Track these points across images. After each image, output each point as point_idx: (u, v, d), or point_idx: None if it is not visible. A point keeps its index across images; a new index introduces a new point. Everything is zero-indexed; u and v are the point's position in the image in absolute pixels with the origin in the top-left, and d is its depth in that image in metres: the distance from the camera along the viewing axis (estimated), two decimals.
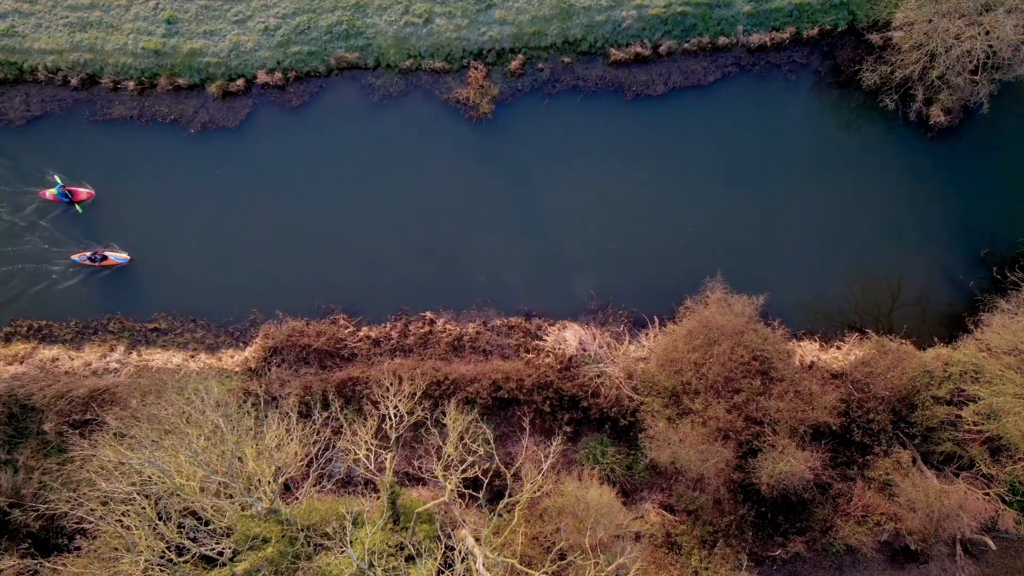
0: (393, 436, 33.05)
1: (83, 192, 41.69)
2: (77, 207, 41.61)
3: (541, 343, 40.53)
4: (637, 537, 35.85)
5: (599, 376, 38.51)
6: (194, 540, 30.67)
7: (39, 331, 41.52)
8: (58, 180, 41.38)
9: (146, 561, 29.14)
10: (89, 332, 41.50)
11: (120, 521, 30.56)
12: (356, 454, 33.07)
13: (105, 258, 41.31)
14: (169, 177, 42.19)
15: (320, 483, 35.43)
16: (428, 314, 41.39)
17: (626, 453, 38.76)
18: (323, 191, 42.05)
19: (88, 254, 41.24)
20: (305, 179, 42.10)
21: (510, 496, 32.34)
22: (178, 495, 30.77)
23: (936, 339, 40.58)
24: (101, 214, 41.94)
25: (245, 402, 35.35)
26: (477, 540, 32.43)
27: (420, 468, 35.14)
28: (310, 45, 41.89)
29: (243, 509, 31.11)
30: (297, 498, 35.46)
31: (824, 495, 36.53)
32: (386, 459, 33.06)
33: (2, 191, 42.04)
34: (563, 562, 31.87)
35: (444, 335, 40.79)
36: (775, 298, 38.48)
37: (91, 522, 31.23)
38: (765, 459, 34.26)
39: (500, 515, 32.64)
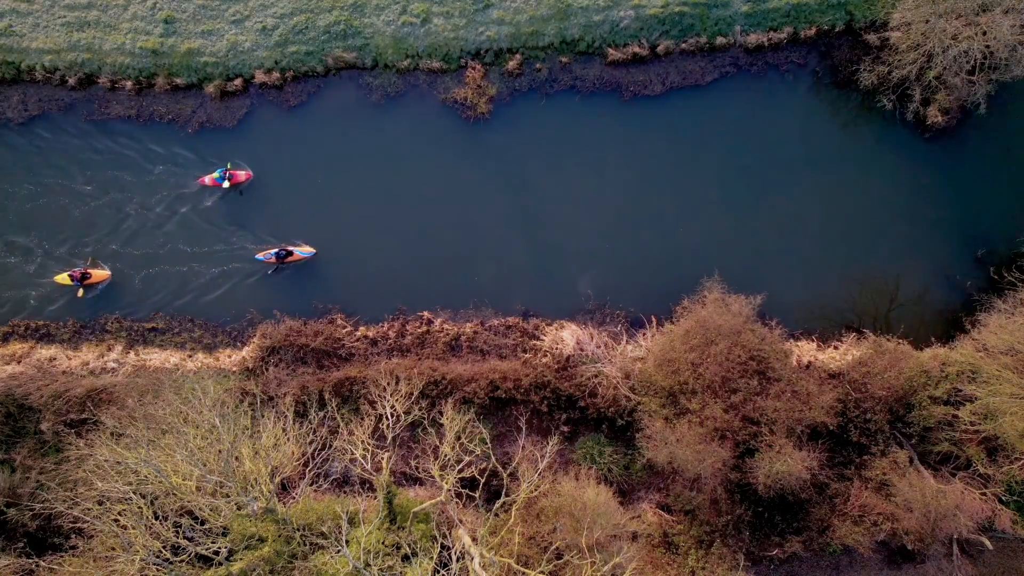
0: (390, 436, 33.04)
1: (242, 175, 41.66)
2: (228, 187, 41.40)
3: (538, 343, 40.51)
4: (634, 537, 35.82)
5: (596, 376, 38.49)
6: (190, 539, 30.61)
7: (36, 331, 41.49)
8: (228, 165, 41.34)
9: (142, 560, 29.09)
10: (87, 332, 41.46)
11: (116, 520, 30.53)
12: (353, 454, 33.06)
13: (290, 253, 41.09)
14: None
15: (317, 483, 35.38)
16: (425, 314, 41.38)
17: (623, 453, 38.75)
18: (319, 190, 42.06)
19: (273, 251, 41.02)
20: (302, 179, 42.11)
21: (507, 496, 32.32)
22: (174, 495, 30.74)
23: (933, 339, 40.55)
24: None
25: (242, 402, 35.31)
26: (474, 540, 32.41)
27: (417, 468, 35.09)
28: (308, 45, 41.90)
29: (239, 509, 31.10)
30: (294, 498, 35.46)
31: (821, 495, 36.51)
32: (383, 459, 33.05)
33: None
34: (560, 562, 31.85)
35: (441, 335, 40.77)
36: (773, 298, 38.46)
37: (87, 521, 31.17)
38: (762, 459, 34.23)
39: (497, 515, 32.62)
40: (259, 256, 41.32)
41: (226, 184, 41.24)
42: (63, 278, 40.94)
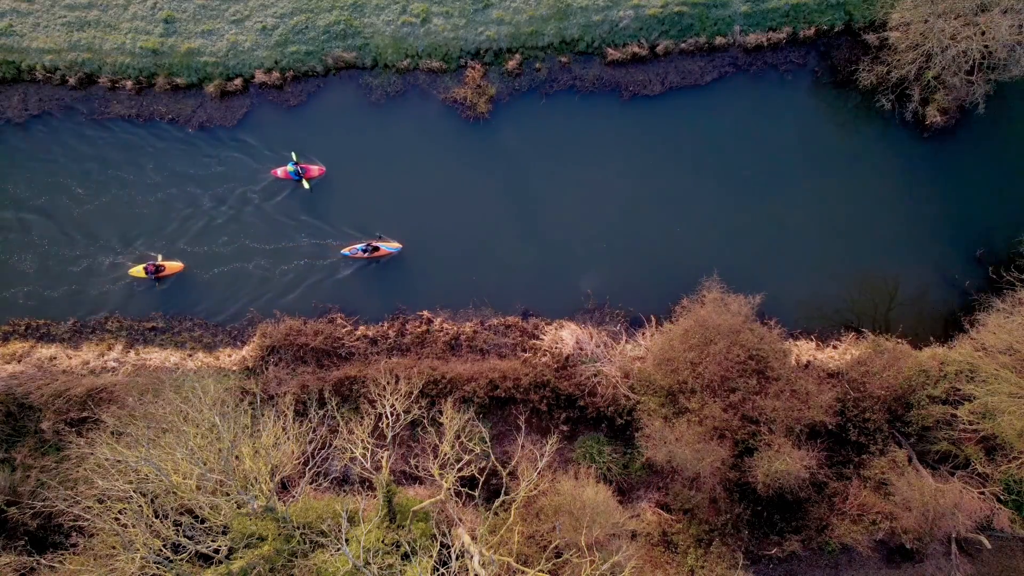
0: (389, 435, 33.11)
1: (314, 169, 41.67)
2: (305, 184, 41.51)
3: (538, 342, 40.58)
4: (633, 535, 35.89)
5: (596, 375, 38.56)
6: (190, 538, 30.67)
7: (37, 330, 41.54)
8: (293, 157, 41.36)
9: (142, 559, 29.14)
10: (87, 331, 41.52)
11: (117, 519, 30.54)
12: (352, 452, 33.13)
13: (377, 249, 41.01)
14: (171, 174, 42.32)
15: (316, 481, 35.43)
16: (425, 313, 41.45)
17: (622, 452, 38.84)
18: (318, 190, 42.13)
19: (360, 246, 40.97)
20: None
21: (506, 494, 32.39)
22: (174, 493, 30.80)
23: (932, 338, 40.67)
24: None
25: (242, 401, 35.38)
26: (473, 538, 32.49)
27: (416, 467, 35.15)
28: (307, 45, 41.98)
29: (239, 507, 31.16)
30: (293, 496, 35.52)
31: (820, 494, 36.60)
32: (382, 457, 33.13)
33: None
34: (559, 560, 31.92)
35: (441, 334, 40.84)
36: (772, 297, 38.56)
37: (88, 520, 31.20)
38: (761, 458, 34.32)
39: (496, 513, 32.67)
40: (345, 252, 41.34)
41: (309, 183, 41.51)
42: (137, 271, 41.22)
